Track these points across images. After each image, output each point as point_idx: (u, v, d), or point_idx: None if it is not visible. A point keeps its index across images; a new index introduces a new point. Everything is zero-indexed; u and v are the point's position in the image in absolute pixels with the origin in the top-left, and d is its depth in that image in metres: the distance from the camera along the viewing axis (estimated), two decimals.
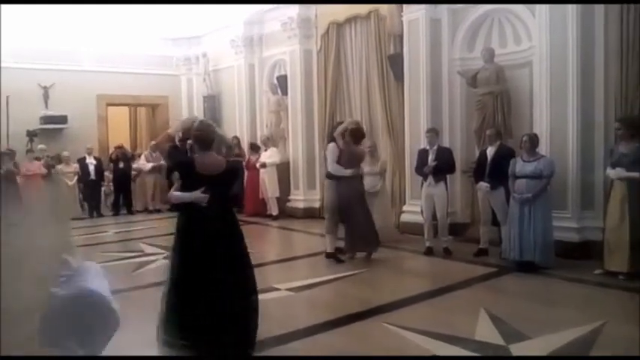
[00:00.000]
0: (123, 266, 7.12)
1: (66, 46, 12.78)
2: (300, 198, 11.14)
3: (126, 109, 15.81)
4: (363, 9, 9.60)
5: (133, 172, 12.85)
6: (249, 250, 4.03)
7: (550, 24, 6.90)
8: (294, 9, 10.84)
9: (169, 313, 3.77)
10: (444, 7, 8.36)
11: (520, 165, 6.36)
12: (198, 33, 14.02)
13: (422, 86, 8.45)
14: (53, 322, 2.67)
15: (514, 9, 7.69)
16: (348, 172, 6.89)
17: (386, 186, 8.66)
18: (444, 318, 4.75)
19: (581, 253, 6.51)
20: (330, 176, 7.09)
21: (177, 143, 4.34)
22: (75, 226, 10.70)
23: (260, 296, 4.04)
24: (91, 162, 12.28)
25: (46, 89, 12.67)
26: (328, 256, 7.03)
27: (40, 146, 11.83)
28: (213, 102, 13.75)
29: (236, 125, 12.81)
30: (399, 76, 8.90)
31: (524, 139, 6.44)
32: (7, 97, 11.10)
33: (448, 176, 7.46)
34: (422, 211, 7.58)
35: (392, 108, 9.19)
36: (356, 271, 6.50)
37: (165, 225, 10.56)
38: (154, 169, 12.70)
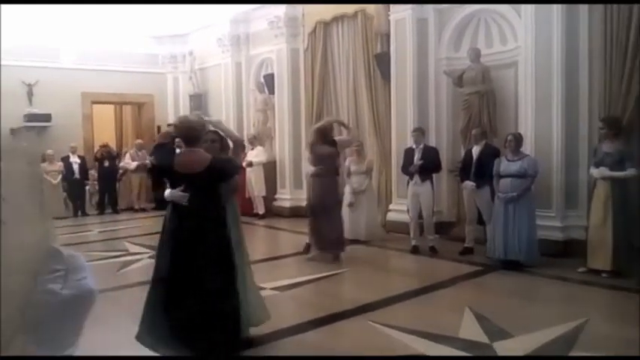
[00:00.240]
0: (107, 265, 7.05)
1: (50, 43, 12.63)
2: (286, 197, 11.13)
3: (111, 107, 15.68)
4: (350, 8, 9.61)
5: (120, 171, 12.78)
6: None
7: (535, 24, 6.96)
8: (281, 8, 10.81)
9: (146, 311, 3.76)
10: (430, 7, 8.39)
11: (505, 164, 6.40)
12: (185, 31, 13.92)
13: (408, 85, 8.48)
14: (52, 321, 2.63)
15: (500, 9, 7.73)
16: (311, 170, 7.08)
17: (372, 185, 8.69)
18: (429, 316, 4.77)
19: (565, 252, 6.58)
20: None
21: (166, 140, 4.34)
22: (59, 225, 10.61)
23: None
24: (74, 161, 12.19)
25: (30, 87, 12.51)
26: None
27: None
28: (199, 100, 13.68)
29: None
30: (386, 76, 8.92)
31: (509, 138, 6.49)
32: None
33: (434, 175, 7.49)
34: (408, 210, 7.60)
35: (379, 107, 9.21)
36: (342, 270, 6.51)
37: (151, 224, 10.50)
38: (139, 168, 12.64)
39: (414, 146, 7.43)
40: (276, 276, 6.27)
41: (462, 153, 7.59)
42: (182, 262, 3.65)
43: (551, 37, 6.80)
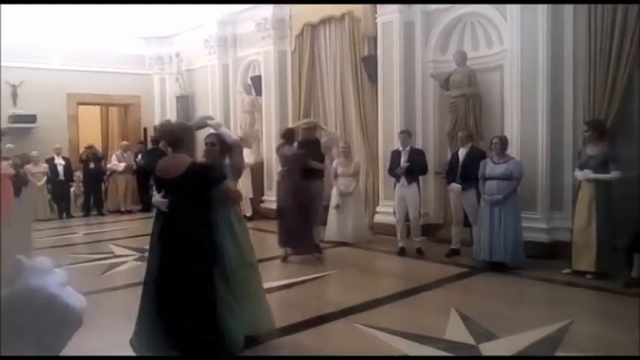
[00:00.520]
0: (92, 268, 6.99)
1: (36, 43, 12.50)
2: (273, 199, 11.03)
3: (97, 108, 15.54)
4: (337, 11, 9.62)
5: (107, 172, 12.70)
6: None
7: (521, 27, 7.02)
8: (268, 9, 10.80)
9: (139, 312, 3.76)
10: (417, 10, 8.43)
11: (490, 167, 6.44)
12: (172, 32, 13.87)
13: (395, 88, 8.51)
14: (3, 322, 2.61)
15: (486, 13, 7.79)
16: (280, 170, 7.28)
17: (359, 187, 8.70)
18: (415, 318, 4.79)
19: (550, 254, 6.64)
20: None
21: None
22: (44, 227, 10.52)
23: None
24: (59, 162, 12.09)
25: (14, 87, 12.39)
26: None
27: (8, 145, 11.54)
28: (186, 102, 13.62)
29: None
30: (373, 78, 8.94)
31: (495, 141, 6.53)
32: None
33: (421, 177, 7.52)
34: (394, 212, 7.62)
35: (366, 109, 9.23)
36: (328, 272, 6.51)
37: (137, 226, 10.43)
38: (126, 169, 12.58)
39: (400, 148, 7.45)
40: (263, 278, 6.23)
41: (449, 155, 7.62)
42: (166, 265, 3.63)
43: (536, 40, 6.87)
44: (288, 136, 7.28)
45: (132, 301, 4.03)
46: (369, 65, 8.99)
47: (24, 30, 12.14)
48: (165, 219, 3.71)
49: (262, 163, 11.39)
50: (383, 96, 8.74)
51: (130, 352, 3.72)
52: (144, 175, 13.03)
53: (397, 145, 7.69)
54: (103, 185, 12.89)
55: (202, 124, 4.39)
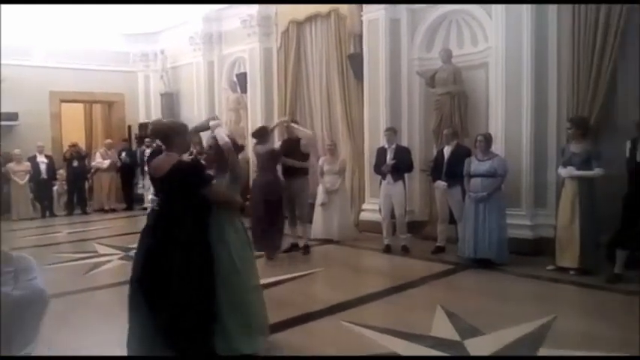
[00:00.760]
0: (75, 267, 6.91)
1: (17, 40, 12.29)
2: None
3: (80, 106, 15.38)
4: (323, 8, 9.60)
5: (92, 170, 12.59)
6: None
7: (506, 25, 7.05)
8: (253, 6, 10.75)
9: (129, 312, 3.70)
10: (403, 8, 8.44)
11: (475, 164, 6.48)
12: (156, 29, 13.75)
13: (381, 86, 8.52)
14: (7, 322, 2.58)
15: (472, 10, 7.82)
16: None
17: (345, 184, 8.70)
18: (401, 315, 4.80)
19: (534, 250, 6.69)
20: None
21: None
22: (26, 226, 10.41)
23: None
24: (42, 160, 11.94)
25: None
26: None
27: None
28: (171, 99, 13.52)
29: (194, 123, 12.58)
30: (359, 76, 8.94)
31: (479, 138, 6.57)
32: None
33: (406, 175, 7.54)
34: (380, 210, 7.63)
35: (351, 107, 9.23)
36: (314, 270, 6.50)
37: (121, 225, 10.36)
38: (110, 167, 12.48)
39: (386, 146, 7.45)
40: None
41: (434, 153, 7.65)
42: (154, 263, 3.57)
43: (521, 37, 6.90)
44: (260, 134, 7.16)
45: (116, 300, 3.99)
46: (354, 63, 8.99)
47: (6, 26, 11.94)
48: (156, 217, 3.70)
49: (248, 161, 11.33)
50: (369, 93, 8.75)
51: (122, 351, 3.66)
52: (128, 173, 12.97)
53: (383, 142, 7.70)
54: (86, 183, 12.77)
55: (205, 127, 4.29)
